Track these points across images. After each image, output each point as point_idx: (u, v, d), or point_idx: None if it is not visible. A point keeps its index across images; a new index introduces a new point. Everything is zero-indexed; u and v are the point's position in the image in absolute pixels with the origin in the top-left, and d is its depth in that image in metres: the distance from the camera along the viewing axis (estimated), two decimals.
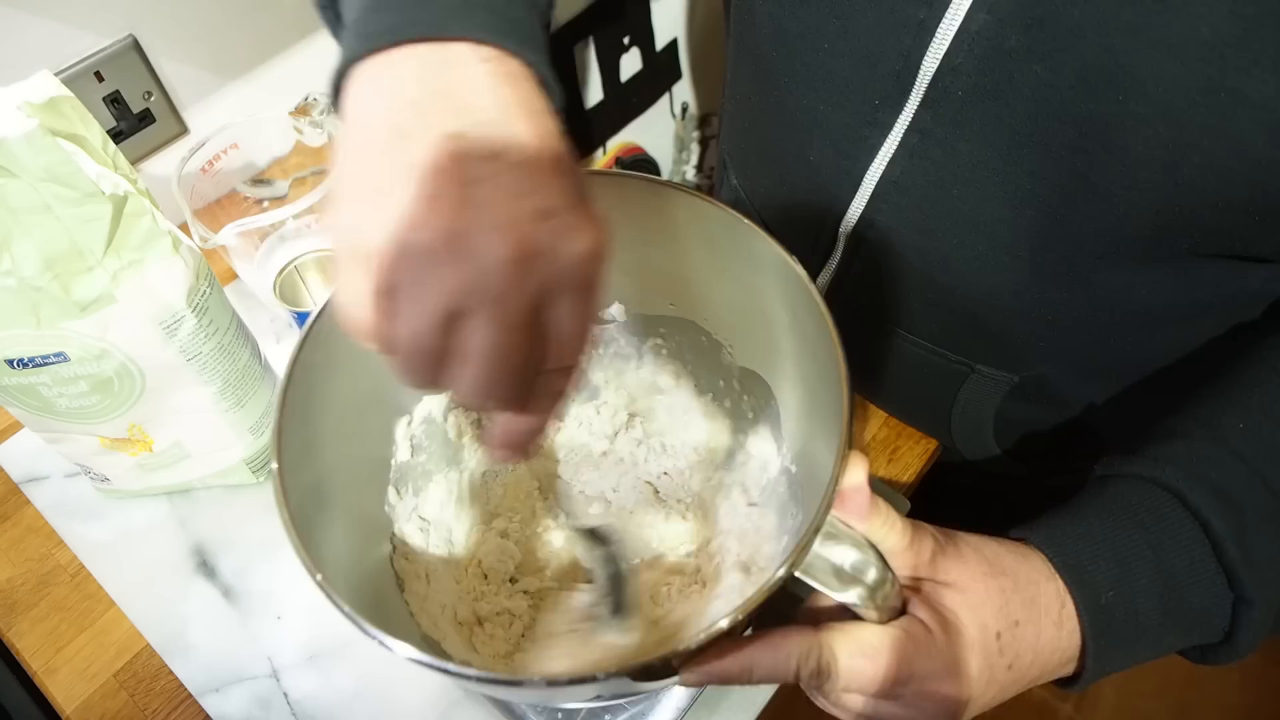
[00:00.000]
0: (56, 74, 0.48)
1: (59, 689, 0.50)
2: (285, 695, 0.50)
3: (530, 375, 0.26)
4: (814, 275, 0.48)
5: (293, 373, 0.36)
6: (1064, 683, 0.37)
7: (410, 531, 0.47)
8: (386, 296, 0.24)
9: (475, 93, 0.26)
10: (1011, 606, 0.35)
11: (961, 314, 0.48)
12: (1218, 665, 0.38)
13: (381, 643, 0.30)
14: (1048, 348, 0.47)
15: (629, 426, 0.55)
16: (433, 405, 0.49)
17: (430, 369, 0.25)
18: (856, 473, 0.33)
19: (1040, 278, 0.42)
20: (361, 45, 0.28)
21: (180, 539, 0.56)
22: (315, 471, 0.38)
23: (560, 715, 0.47)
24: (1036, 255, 0.41)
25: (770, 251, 0.39)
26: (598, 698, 0.41)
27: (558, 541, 0.51)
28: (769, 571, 0.44)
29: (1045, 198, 0.39)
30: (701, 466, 0.53)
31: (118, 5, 0.59)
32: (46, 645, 0.52)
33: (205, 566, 0.54)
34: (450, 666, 0.30)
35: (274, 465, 0.34)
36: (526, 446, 0.29)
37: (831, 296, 0.53)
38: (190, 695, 0.50)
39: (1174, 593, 0.35)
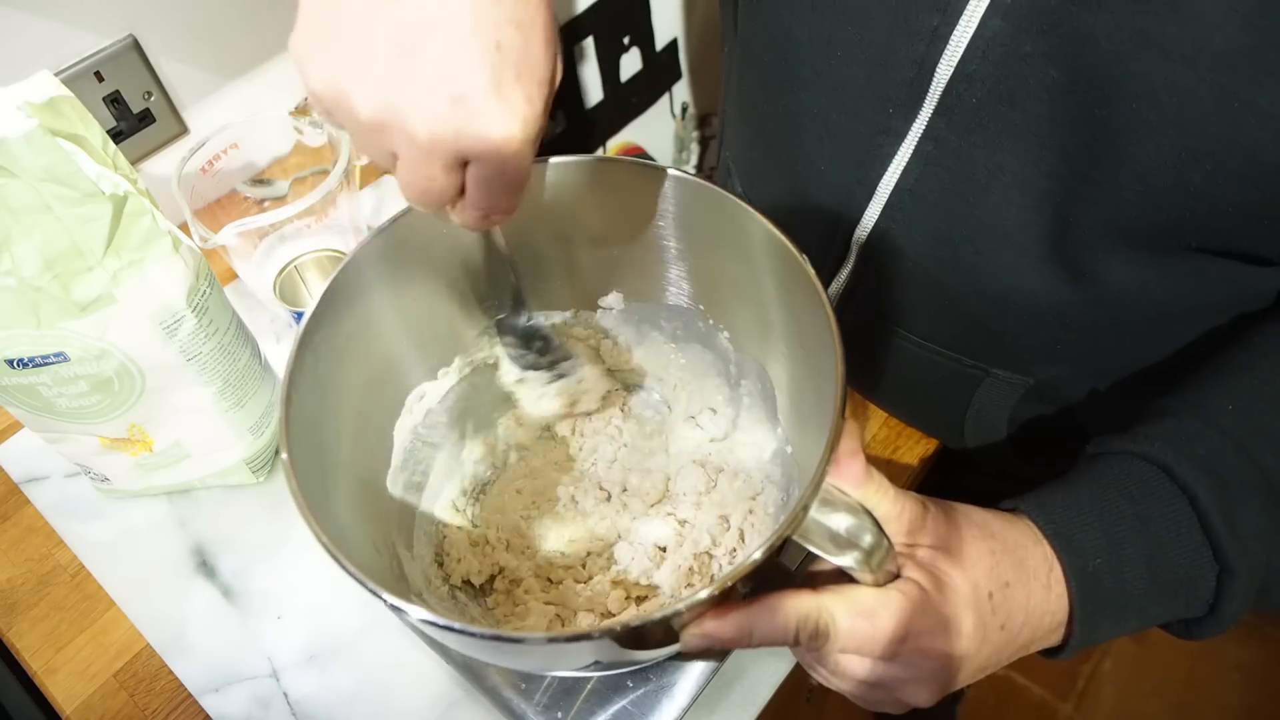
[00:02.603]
0: (56, 74, 0.48)
1: (59, 689, 0.50)
2: (285, 695, 0.50)
3: (444, 200, 0.33)
4: (826, 283, 0.48)
5: (298, 356, 0.37)
6: (1051, 653, 0.38)
7: (413, 511, 0.47)
8: (357, 130, 0.32)
9: None
10: (1002, 568, 0.35)
11: (977, 319, 0.47)
12: (1202, 640, 0.38)
13: (394, 606, 0.30)
14: (1063, 349, 0.47)
15: (627, 414, 0.55)
16: (434, 392, 0.49)
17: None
18: (851, 440, 0.34)
19: (1056, 280, 0.42)
20: None
21: (180, 539, 0.56)
22: (321, 454, 0.38)
23: (560, 715, 0.47)
24: (1052, 258, 0.41)
25: (760, 228, 0.39)
26: (595, 664, 0.41)
27: (564, 531, 0.51)
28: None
29: (1060, 200, 0.39)
30: (699, 452, 0.53)
31: (118, 5, 0.59)
32: (46, 645, 0.52)
33: (205, 566, 0.54)
34: (458, 625, 0.30)
35: (283, 449, 0.34)
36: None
37: (844, 304, 0.53)
38: (190, 695, 0.50)
39: (1160, 562, 0.36)
